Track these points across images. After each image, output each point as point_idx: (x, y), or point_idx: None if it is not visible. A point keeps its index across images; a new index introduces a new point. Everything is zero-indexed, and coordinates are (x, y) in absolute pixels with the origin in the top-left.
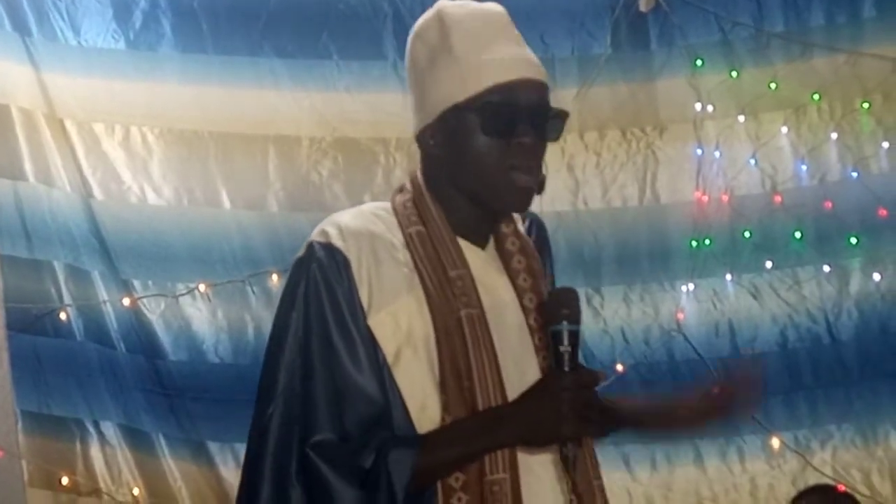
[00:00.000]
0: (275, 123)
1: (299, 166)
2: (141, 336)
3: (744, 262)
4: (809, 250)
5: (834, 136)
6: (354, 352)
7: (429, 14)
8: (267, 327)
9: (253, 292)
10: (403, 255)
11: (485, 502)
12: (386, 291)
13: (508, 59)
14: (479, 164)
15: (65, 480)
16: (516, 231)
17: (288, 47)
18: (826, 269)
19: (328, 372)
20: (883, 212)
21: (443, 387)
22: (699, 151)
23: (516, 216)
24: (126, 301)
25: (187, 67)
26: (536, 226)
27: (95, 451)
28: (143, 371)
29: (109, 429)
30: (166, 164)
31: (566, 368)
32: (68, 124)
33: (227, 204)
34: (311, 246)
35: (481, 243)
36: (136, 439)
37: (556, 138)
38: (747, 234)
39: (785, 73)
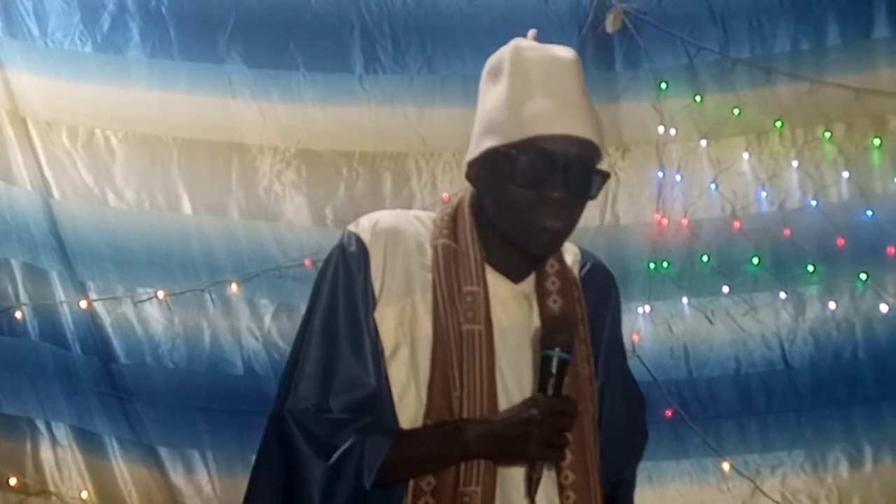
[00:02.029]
0: (239, 132)
1: (262, 176)
2: (96, 338)
3: (701, 285)
4: (766, 276)
5: (795, 163)
6: (358, 339)
7: (504, 48)
8: (223, 335)
9: (212, 300)
10: (428, 260)
11: None
12: (398, 288)
13: (554, 112)
14: (509, 208)
15: (13, 481)
16: (562, 273)
17: (255, 57)
18: (782, 295)
19: (326, 353)
20: (841, 241)
21: (429, 392)
22: (660, 174)
23: (571, 260)
24: (83, 303)
25: (154, 72)
26: (601, 277)
27: (46, 452)
28: (97, 373)
29: (61, 430)
30: (129, 168)
31: (549, 393)
32: (31, 123)
33: (188, 210)
34: (343, 234)
35: (514, 278)
36: (88, 441)
37: (593, 197)
38: (705, 259)
39: (748, 99)
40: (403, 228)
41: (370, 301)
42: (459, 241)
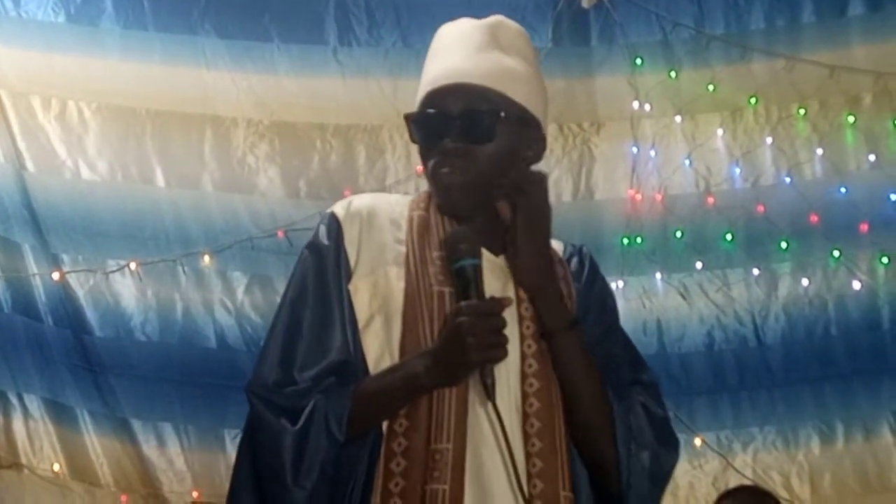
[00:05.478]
0: (212, 104)
1: (235, 148)
2: (69, 311)
3: (674, 261)
4: (740, 252)
5: (769, 140)
6: (329, 310)
7: None
8: (195, 308)
9: (184, 272)
10: (403, 234)
11: (426, 469)
12: (373, 260)
13: (437, 69)
14: (424, 168)
15: None
16: None
17: (229, 28)
18: (755, 272)
19: (293, 329)
20: (814, 218)
21: (401, 350)
22: (635, 149)
23: (556, 242)
24: (55, 275)
25: (127, 44)
26: (580, 258)
27: (18, 425)
28: (69, 346)
29: (33, 402)
30: (102, 140)
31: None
32: (4, 95)
33: (161, 182)
34: (323, 214)
35: (494, 250)
36: (60, 414)
37: (488, 139)
38: (679, 234)
39: (723, 75)
40: (378, 205)
41: (343, 271)
42: (431, 211)
